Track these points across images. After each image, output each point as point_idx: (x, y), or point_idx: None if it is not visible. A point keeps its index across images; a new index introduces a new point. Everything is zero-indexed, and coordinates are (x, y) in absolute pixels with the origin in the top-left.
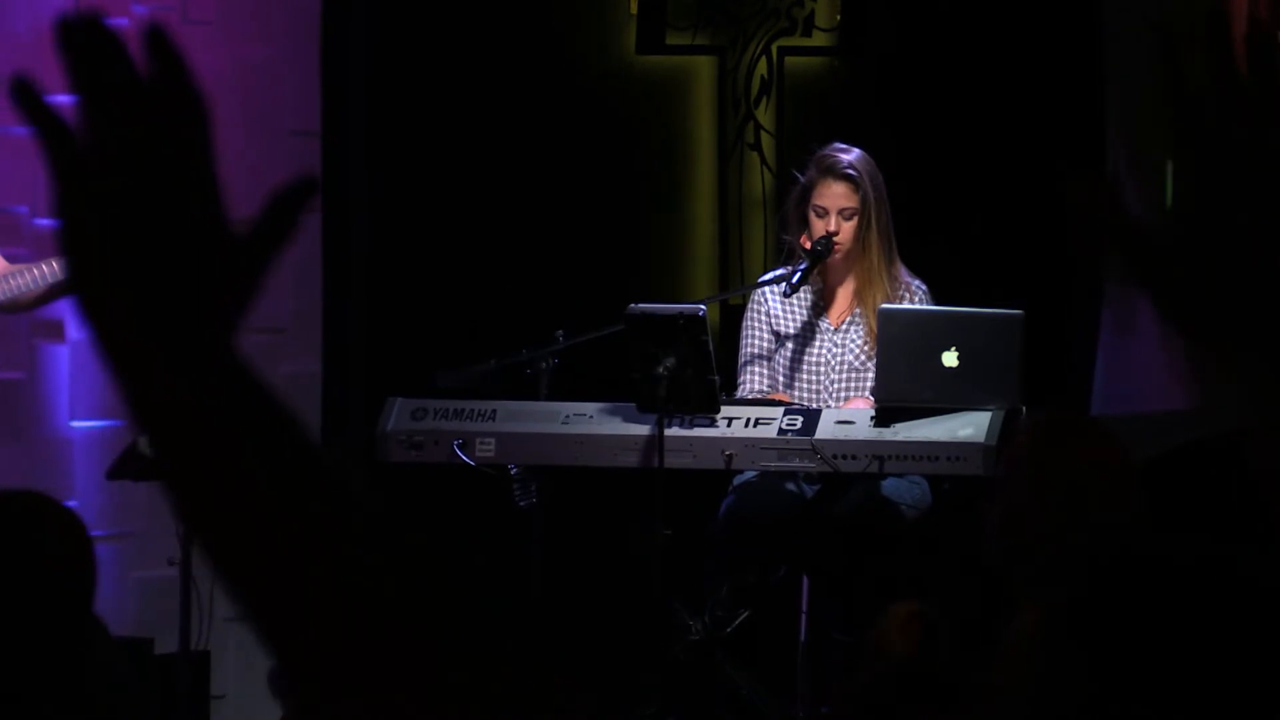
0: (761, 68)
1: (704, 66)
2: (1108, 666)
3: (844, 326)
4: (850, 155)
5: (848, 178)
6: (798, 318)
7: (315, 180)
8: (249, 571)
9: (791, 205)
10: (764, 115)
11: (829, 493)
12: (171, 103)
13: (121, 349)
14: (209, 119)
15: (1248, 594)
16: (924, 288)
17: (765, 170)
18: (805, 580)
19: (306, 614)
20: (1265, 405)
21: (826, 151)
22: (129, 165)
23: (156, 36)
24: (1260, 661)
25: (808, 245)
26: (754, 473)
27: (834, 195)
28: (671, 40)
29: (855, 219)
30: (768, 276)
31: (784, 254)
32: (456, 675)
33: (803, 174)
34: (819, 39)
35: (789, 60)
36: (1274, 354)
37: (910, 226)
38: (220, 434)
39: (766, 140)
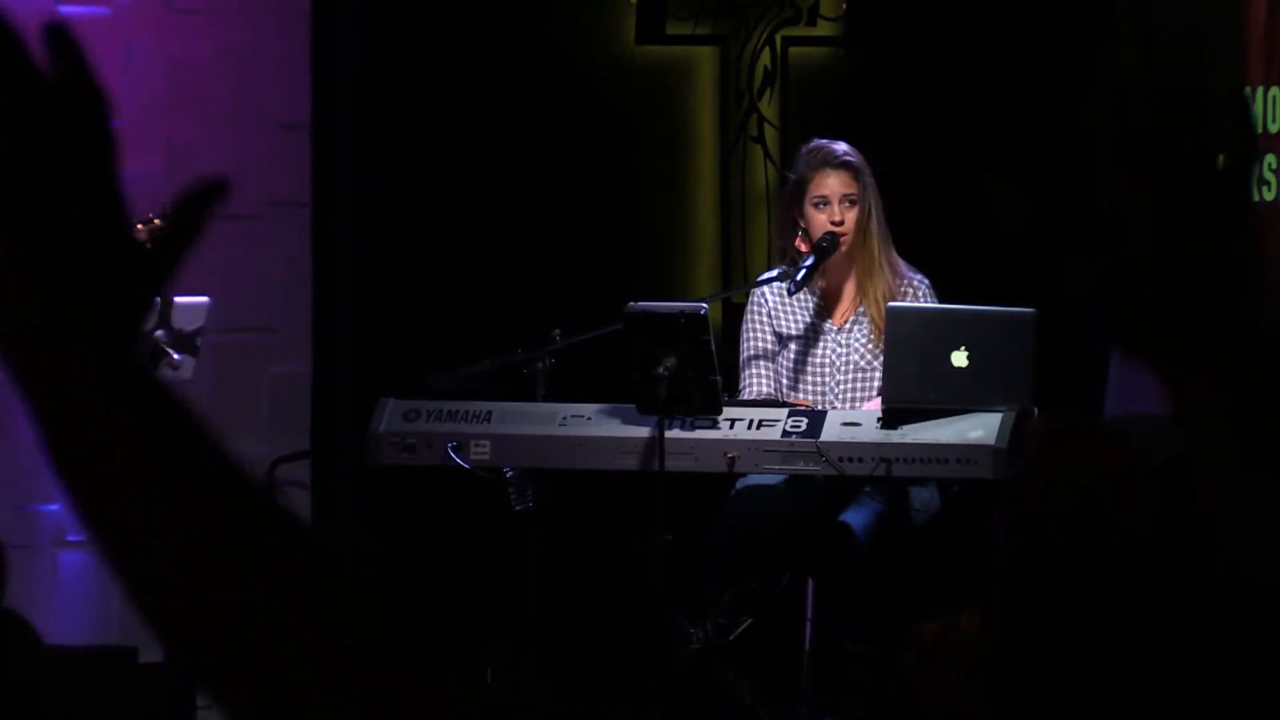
0: (765, 58)
1: (705, 57)
2: (1063, 666)
3: (848, 326)
4: (841, 145)
5: (847, 165)
6: (799, 318)
7: (225, 184)
8: (206, 642)
9: (783, 208)
10: (767, 107)
11: (834, 497)
12: (71, 101)
13: (23, 358)
14: (110, 120)
15: (1208, 595)
16: (926, 282)
17: (769, 164)
18: (810, 586)
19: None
20: (1213, 435)
21: (815, 145)
22: (21, 164)
23: (56, 32)
24: (1222, 666)
25: (803, 248)
26: (757, 476)
27: (834, 184)
28: (672, 30)
29: (857, 207)
30: (768, 275)
31: (780, 255)
32: None
33: (791, 174)
34: (824, 29)
35: (793, 51)
36: (1224, 384)
37: (917, 221)
38: (139, 460)
39: (770, 133)
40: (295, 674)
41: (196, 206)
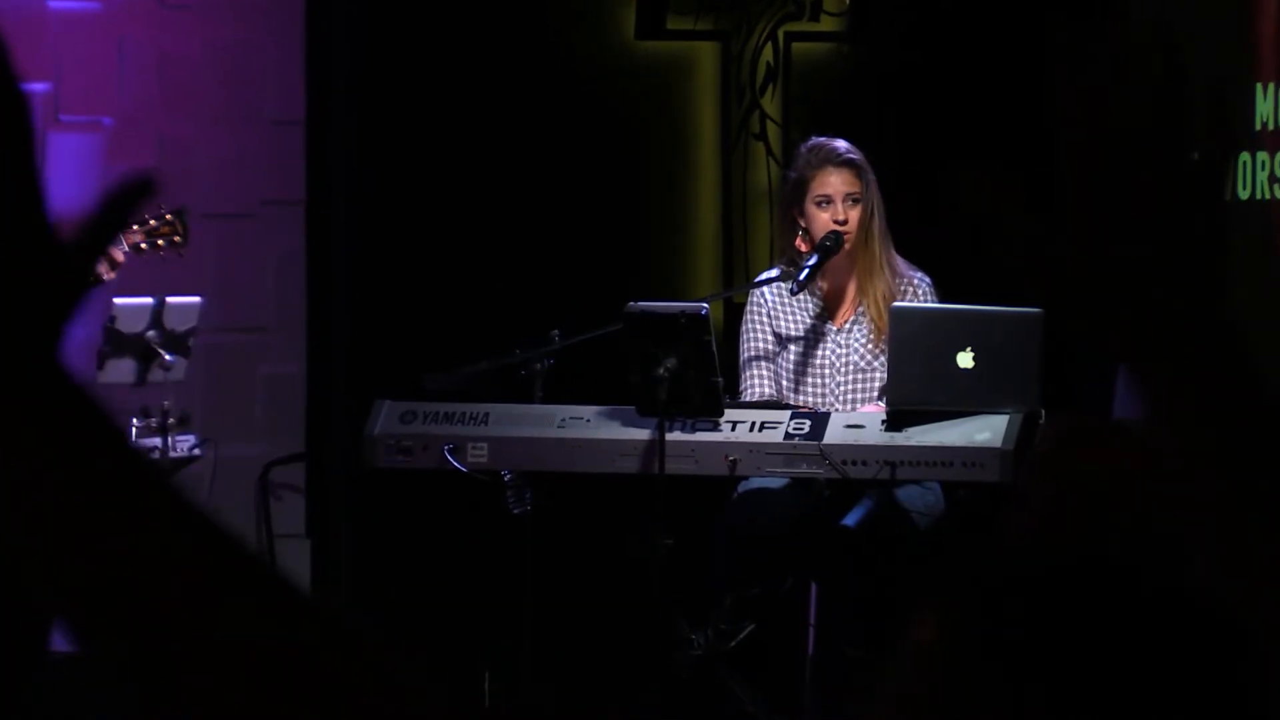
0: (767, 54)
1: (707, 52)
2: (1027, 676)
3: (848, 326)
4: (843, 143)
5: (849, 163)
6: (800, 319)
7: (152, 181)
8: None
9: (783, 207)
10: (770, 104)
11: (838, 500)
12: None
13: None
14: (27, 110)
15: (1162, 604)
16: (928, 280)
17: (771, 161)
18: (813, 591)
19: None
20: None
21: (816, 143)
22: None
23: None
24: (1166, 677)
25: (804, 247)
26: (759, 479)
27: (837, 183)
28: (673, 25)
29: (859, 206)
30: (769, 274)
31: (780, 254)
32: None
33: (792, 172)
34: (827, 24)
35: (796, 46)
36: (1198, 383)
37: (920, 219)
38: (60, 471)
39: (772, 130)
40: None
41: (122, 204)
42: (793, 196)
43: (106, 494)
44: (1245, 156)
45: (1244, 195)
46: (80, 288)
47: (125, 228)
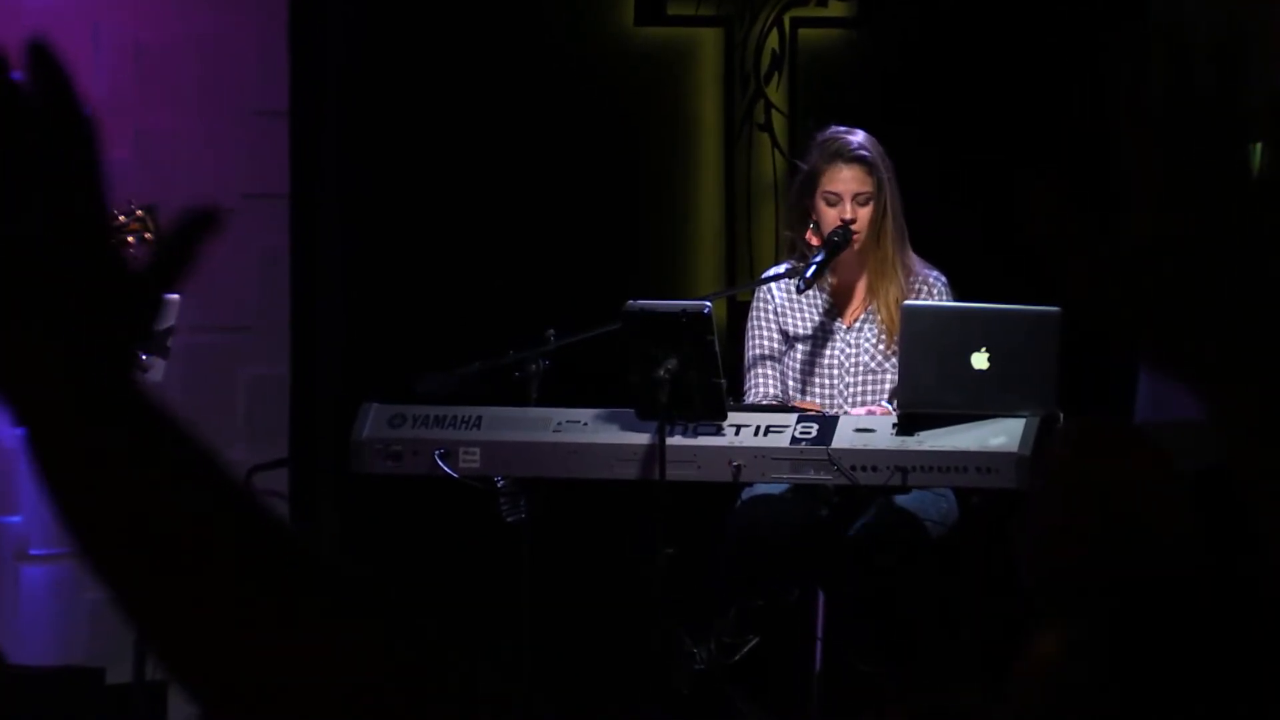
0: (773, 41)
1: (709, 39)
2: (1141, 695)
3: (857, 325)
4: (858, 136)
5: (860, 160)
6: (808, 317)
7: (219, 214)
8: (222, 671)
9: (793, 198)
10: (775, 93)
11: (846, 507)
12: (53, 123)
13: (20, 394)
14: (97, 142)
15: (1256, 607)
16: (943, 279)
17: (776, 153)
18: (820, 602)
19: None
20: (1252, 442)
21: (830, 134)
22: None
23: (39, 51)
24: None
25: (814, 241)
26: (764, 485)
27: (846, 180)
28: (674, 10)
29: (870, 205)
30: (776, 271)
31: (787, 249)
32: None
33: (804, 162)
34: (835, 9)
35: (803, 33)
36: (1264, 387)
37: (934, 214)
38: (146, 493)
39: (778, 120)
40: (280, 671)
41: (189, 237)
42: (804, 188)
43: (192, 516)
44: None
45: None
46: (151, 313)
47: (195, 263)
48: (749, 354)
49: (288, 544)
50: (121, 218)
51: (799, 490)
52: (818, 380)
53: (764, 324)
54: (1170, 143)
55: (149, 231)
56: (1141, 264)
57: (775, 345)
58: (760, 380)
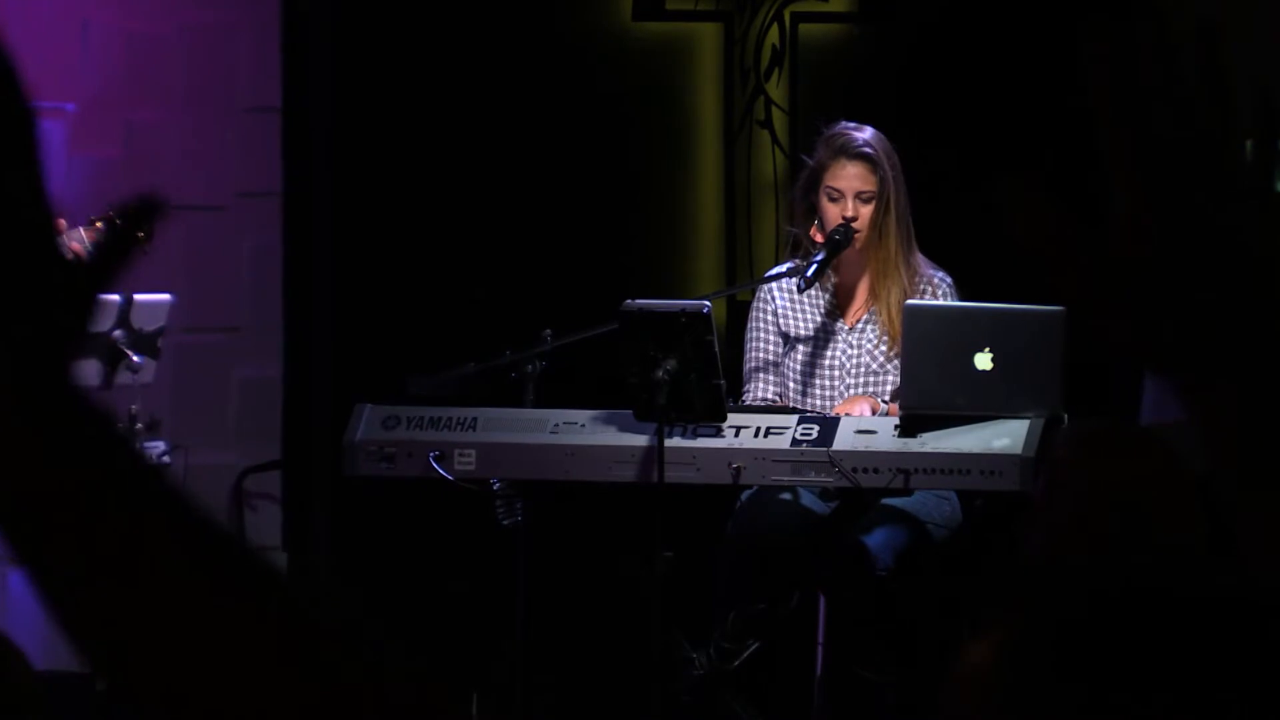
0: (773, 36)
1: (709, 34)
2: (1091, 697)
3: (859, 325)
4: (864, 133)
5: (864, 157)
6: (809, 317)
7: (163, 202)
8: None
9: (798, 193)
10: (775, 89)
11: (848, 510)
12: None
13: None
14: (35, 128)
15: (1230, 614)
16: (949, 280)
17: (777, 150)
18: (821, 607)
19: None
20: (1242, 447)
21: (837, 130)
22: None
23: None
24: (1241, 685)
25: (818, 237)
26: (765, 488)
27: (849, 177)
28: (672, 5)
29: (873, 203)
30: (777, 270)
31: (790, 247)
32: None
33: (810, 157)
34: (837, 4)
35: (804, 28)
36: (1257, 392)
37: (937, 213)
38: (81, 494)
39: (778, 117)
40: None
41: (132, 226)
42: (809, 184)
43: (110, 506)
44: None
45: None
46: (89, 306)
47: (135, 249)
48: (749, 361)
49: (224, 541)
50: (98, 225)
51: (800, 493)
52: (818, 381)
53: (763, 329)
54: (1150, 136)
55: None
56: (1124, 261)
57: (775, 347)
58: (760, 381)
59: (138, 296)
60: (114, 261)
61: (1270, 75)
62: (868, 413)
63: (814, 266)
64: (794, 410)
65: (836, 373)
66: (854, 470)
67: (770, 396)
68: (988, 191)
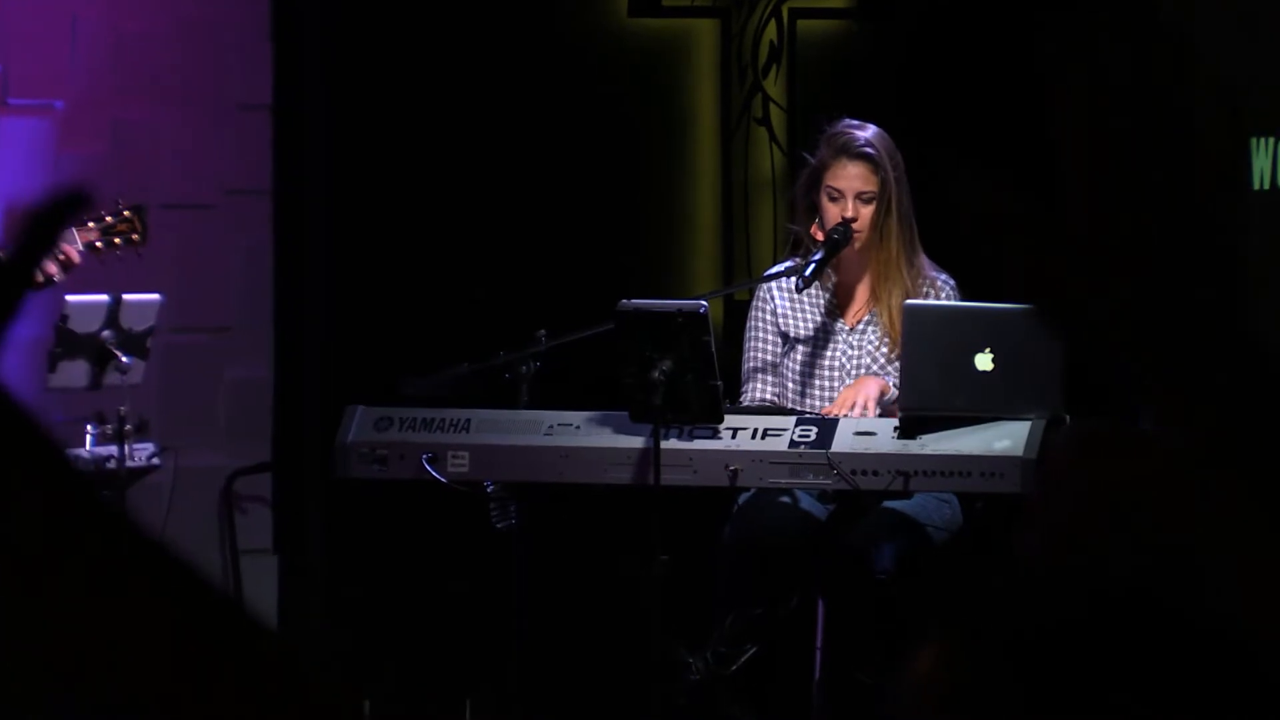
0: (770, 32)
1: (705, 31)
2: (1043, 705)
3: (860, 326)
4: (866, 132)
5: (865, 157)
6: (808, 318)
7: (86, 196)
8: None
9: (800, 190)
10: (773, 86)
11: (847, 513)
12: None
13: None
14: None
15: (1171, 626)
16: (952, 283)
17: (775, 148)
18: (820, 611)
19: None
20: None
21: (839, 128)
22: None
23: None
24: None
25: (819, 236)
26: (762, 490)
27: (850, 177)
28: (668, 1)
29: (874, 204)
30: (776, 269)
31: (790, 245)
32: None
33: (812, 155)
34: (835, 0)
35: (801, 24)
36: (1208, 396)
37: (938, 214)
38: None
39: (776, 114)
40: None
41: (51, 220)
42: (810, 182)
43: (38, 513)
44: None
45: (1265, 187)
46: (11, 302)
47: (56, 243)
48: (746, 362)
49: (129, 532)
50: (109, 219)
51: (798, 495)
52: (818, 382)
53: (762, 329)
54: (1109, 136)
55: (136, 232)
56: (1082, 265)
57: (774, 348)
58: (757, 390)
59: (126, 296)
60: (33, 259)
61: (1270, 75)
62: (874, 393)
63: (812, 266)
64: (792, 411)
65: (836, 374)
66: (853, 472)
67: (768, 398)
68: (950, 190)
